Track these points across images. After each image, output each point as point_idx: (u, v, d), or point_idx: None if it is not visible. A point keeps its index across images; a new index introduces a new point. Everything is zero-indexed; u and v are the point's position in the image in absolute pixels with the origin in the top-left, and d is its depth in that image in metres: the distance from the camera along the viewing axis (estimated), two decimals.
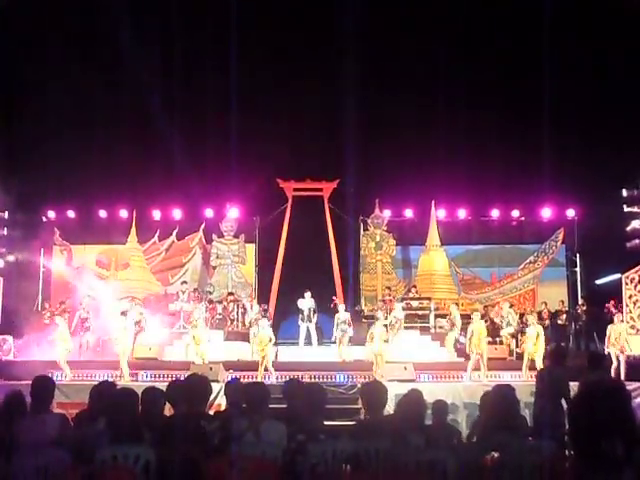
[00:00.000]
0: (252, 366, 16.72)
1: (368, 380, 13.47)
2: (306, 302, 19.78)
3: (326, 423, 6.20)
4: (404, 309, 19.88)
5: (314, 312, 19.74)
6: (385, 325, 17.56)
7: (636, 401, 13.22)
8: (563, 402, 8.20)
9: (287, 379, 8.20)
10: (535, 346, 16.10)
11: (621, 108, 20.15)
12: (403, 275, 24.74)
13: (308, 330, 19.70)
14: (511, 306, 19.83)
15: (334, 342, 18.99)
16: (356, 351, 18.53)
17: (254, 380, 14.03)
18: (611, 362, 15.93)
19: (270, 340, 16.50)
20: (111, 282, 23.01)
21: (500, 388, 5.90)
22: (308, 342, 19.70)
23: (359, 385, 14.99)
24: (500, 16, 21.28)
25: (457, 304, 20.91)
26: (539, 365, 15.53)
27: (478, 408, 7.02)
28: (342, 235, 23.87)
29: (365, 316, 21.70)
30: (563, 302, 21.88)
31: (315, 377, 15.99)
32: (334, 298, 20.54)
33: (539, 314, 19.59)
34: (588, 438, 2.82)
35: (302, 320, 19.73)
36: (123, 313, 17.17)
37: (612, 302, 18.98)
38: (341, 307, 19.10)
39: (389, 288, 22.31)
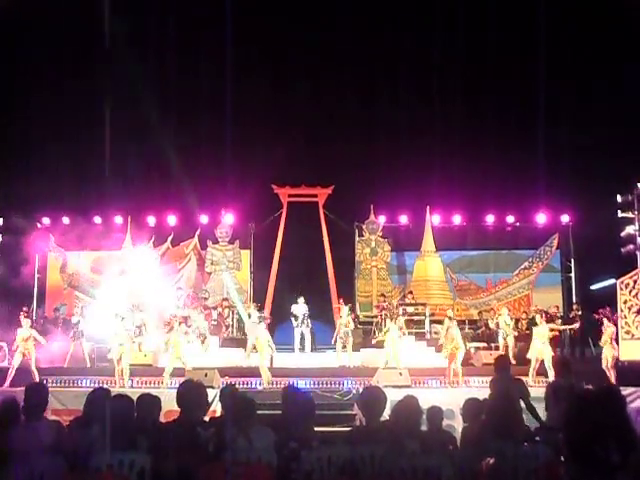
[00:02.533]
0: (248, 372, 16.70)
1: (367, 385, 13.40)
2: (300, 308, 19.77)
3: (321, 429, 6.19)
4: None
5: (308, 318, 19.72)
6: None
7: (631, 406, 13.24)
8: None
9: (284, 385, 8.20)
10: (544, 345, 16.09)
11: (615, 114, 20.21)
12: (398, 281, 24.71)
13: (302, 336, 19.69)
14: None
15: (333, 347, 18.99)
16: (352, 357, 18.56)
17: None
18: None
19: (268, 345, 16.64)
20: (106, 288, 22.99)
21: (497, 394, 5.90)
22: (302, 348, 19.69)
23: (354, 391, 14.98)
24: (496, 21, 21.35)
25: (454, 309, 20.89)
26: (548, 366, 15.59)
27: (462, 416, 7.04)
28: (337, 241, 23.88)
29: (361, 322, 21.70)
30: (558, 307, 21.90)
31: (309, 383, 15.98)
32: (340, 303, 20.43)
33: (547, 314, 19.47)
34: (583, 443, 2.82)
35: (296, 326, 19.71)
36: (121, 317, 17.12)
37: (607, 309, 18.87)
38: (344, 311, 19.04)
39: (384, 295, 22.28)
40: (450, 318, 17.31)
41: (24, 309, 18.35)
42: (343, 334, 18.43)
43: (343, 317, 18.64)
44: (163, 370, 16.34)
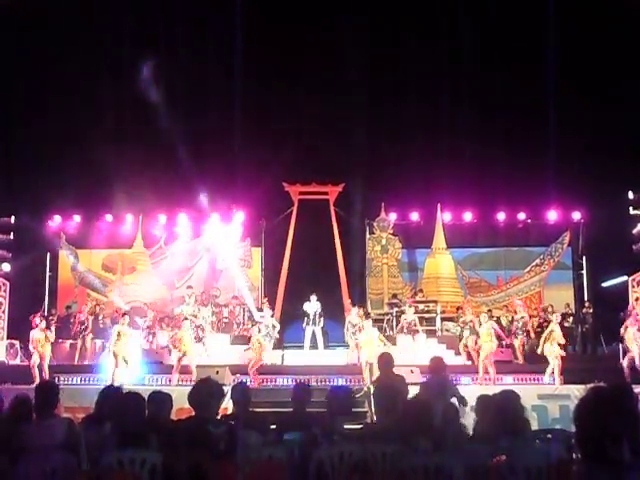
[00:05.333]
0: (260, 369, 16.73)
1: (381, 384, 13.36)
2: (312, 305, 19.76)
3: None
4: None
5: (320, 315, 19.71)
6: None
7: None
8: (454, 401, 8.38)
9: (295, 382, 8.22)
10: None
11: (627, 109, 20.11)
12: (409, 278, 24.63)
13: (314, 333, 19.68)
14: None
15: (344, 345, 18.98)
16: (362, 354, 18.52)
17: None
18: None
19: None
20: (117, 286, 23.10)
21: (505, 393, 5.89)
22: (314, 346, 19.68)
23: (365, 389, 14.96)
24: (504, 18, 21.28)
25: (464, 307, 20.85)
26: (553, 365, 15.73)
27: (474, 411, 7.03)
28: (348, 238, 23.85)
29: (373, 319, 21.68)
30: (569, 305, 21.82)
31: (321, 380, 15.99)
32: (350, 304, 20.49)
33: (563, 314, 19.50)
34: (594, 441, 2.81)
35: (308, 323, 19.70)
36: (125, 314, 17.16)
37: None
38: (353, 311, 19.05)
39: (395, 296, 22.26)
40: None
41: (40, 311, 18.47)
42: (352, 335, 18.38)
43: (352, 318, 18.62)
44: (173, 368, 16.42)
